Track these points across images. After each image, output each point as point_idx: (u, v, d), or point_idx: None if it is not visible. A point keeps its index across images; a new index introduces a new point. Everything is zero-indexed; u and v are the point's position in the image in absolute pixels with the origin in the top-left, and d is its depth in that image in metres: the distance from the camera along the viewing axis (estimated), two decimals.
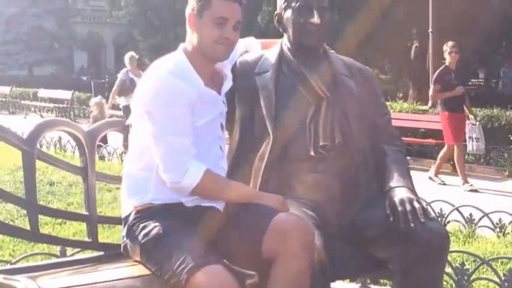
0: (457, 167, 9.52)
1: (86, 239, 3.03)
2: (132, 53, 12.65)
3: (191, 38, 2.66)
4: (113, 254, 2.87)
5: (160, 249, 2.43)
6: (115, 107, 13.76)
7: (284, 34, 3.06)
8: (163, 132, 2.51)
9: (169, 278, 2.37)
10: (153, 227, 2.49)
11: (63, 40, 38.71)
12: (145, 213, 2.55)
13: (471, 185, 9.24)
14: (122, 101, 12.46)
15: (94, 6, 43.86)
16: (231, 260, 2.55)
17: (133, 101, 2.64)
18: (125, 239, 2.64)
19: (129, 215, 2.61)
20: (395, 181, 2.83)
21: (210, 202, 2.63)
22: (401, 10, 19.10)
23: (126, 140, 2.95)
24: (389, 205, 2.72)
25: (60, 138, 11.75)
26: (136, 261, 2.61)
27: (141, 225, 2.53)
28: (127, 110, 11.59)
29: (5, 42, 36.96)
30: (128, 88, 11.83)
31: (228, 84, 2.79)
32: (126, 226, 2.62)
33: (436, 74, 9.54)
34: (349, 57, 3.21)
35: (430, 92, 9.58)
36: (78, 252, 3.61)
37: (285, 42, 3.05)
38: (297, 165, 2.84)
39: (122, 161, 9.98)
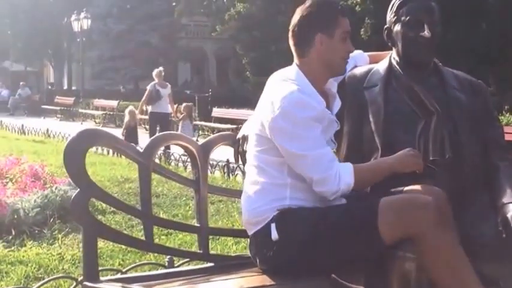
0: None
1: (196, 250, 3.10)
2: (159, 68, 14.84)
3: (314, 58, 2.69)
4: (222, 265, 2.92)
5: (330, 223, 2.52)
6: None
7: (393, 48, 3.04)
8: (306, 149, 2.55)
9: (358, 234, 2.49)
10: (312, 214, 2.56)
11: (167, 55, 39.66)
12: (284, 215, 2.57)
13: None
14: (149, 108, 14.47)
15: (197, 22, 44.74)
16: None
17: (259, 119, 2.66)
18: (260, 246, 2.65)
19: (267, 223, 2.60)
20: (508, 197, 2.75)
21: (338, 201, 2.65)
22: (508, 18, 18.57)
23: (236, 153, 3.00)
24: (502, 221, 2.66)
25: (165, 151, 12.04)
26: (259, 270, 2.66)
27: (294, 224, 2.55)
28: (153, 115, 14.44)
29: (113, 58, 38.19)
30: (154, 98, 14.14)
31: (338, 104, 2.82)
32: (262, 233, 2.61)
33: None
34: (451, 68, 3.15)
35: None
36: (185, 262, 3.69)
37: (394, 56, 3.03)
38: (405, 180, 2.80)
39: (224, 173, 10.12)
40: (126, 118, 14.73)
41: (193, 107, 16.35)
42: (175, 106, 15.27)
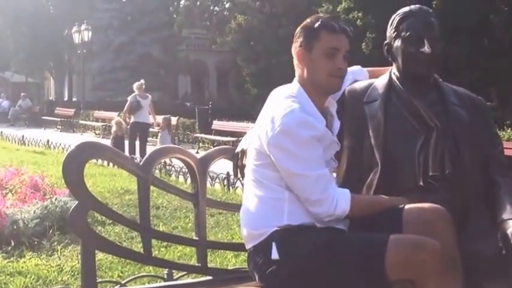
0: None
1: (194, 263, 3.09)
2: (141, 81, 15.36)
3: (302, 74, 2.70)
4: (221, 279, 2.92)
5: (335, 253, 2.49)
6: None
7: (393, 63, 3.04)
8: (306, 170, 2.54)
9: (362, 269, 2.44)
10: (315, 240, 2.52)
11: (168, 67, 39.76)
12: (285, 234, 2.56)
13: None
14: (131, 119, 15.10)
15: (198, 34, 44.95)
16: None
17: (258, 136, 2.65)
18: (259, 262, 2.62)
19: (266, 238, 2.58)
20: (508, 213, 2.74)
21: (338, 224, 2.64)
22: (509, 33, 18.62)
23: (235, 167, 3.00)
24: (502, 237, 2.65)
25: (165, 163, 12.05)
26: (257, 285, 2.64)
27: (296, 247, 2.53)
28: (134, 125, 14.96)
29: (114, 70, 38.28)
30: (135, 107, 14.79)
31: (337, 125, 2.81)
32: (261, 249, 2.60)
33: None
34: (453, 83, 3.16)
35: None
36: (183, 275, 3.68)
37: (394, 72, 3.04)
38: (406, 195, 2.80)
39: (224, 186, 10.14)
40: (113, 128, 15.37)
41: (171, 119, 17.24)
42: (162, 117, 16.04)
